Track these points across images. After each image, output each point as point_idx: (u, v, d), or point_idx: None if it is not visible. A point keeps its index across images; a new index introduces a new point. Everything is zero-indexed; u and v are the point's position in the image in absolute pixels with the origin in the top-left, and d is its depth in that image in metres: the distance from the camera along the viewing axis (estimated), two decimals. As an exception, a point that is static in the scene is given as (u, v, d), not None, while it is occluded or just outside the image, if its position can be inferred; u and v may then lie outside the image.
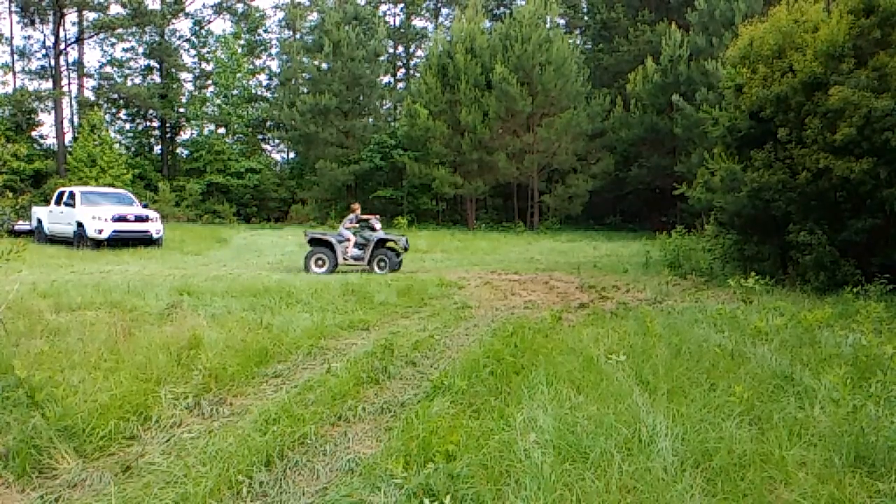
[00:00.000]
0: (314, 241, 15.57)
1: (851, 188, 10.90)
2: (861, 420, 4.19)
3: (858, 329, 7.08)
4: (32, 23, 39.47)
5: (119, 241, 19.02)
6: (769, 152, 11.96)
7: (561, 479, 3.55)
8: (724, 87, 14.14)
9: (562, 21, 42.09)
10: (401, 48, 52.56)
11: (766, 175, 11.70)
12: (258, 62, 48.96)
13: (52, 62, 38.84)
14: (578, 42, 44.60)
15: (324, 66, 38.94)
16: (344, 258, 15.19)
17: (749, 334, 6.98)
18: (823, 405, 4.63)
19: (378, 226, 15.70)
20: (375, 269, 15.08)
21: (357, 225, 15.69)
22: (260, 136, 46.23)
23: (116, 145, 38.57)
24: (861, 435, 3.99)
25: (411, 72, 51.86)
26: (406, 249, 15.98)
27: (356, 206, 16.32)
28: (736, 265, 13.44)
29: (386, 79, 47.68)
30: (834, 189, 11.12)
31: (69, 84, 41.48)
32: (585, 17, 47.00)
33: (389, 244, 15.61)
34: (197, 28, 46.41)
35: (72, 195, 20.63)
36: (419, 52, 52.12)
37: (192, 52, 46.70)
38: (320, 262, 15.08)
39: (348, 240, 15.27)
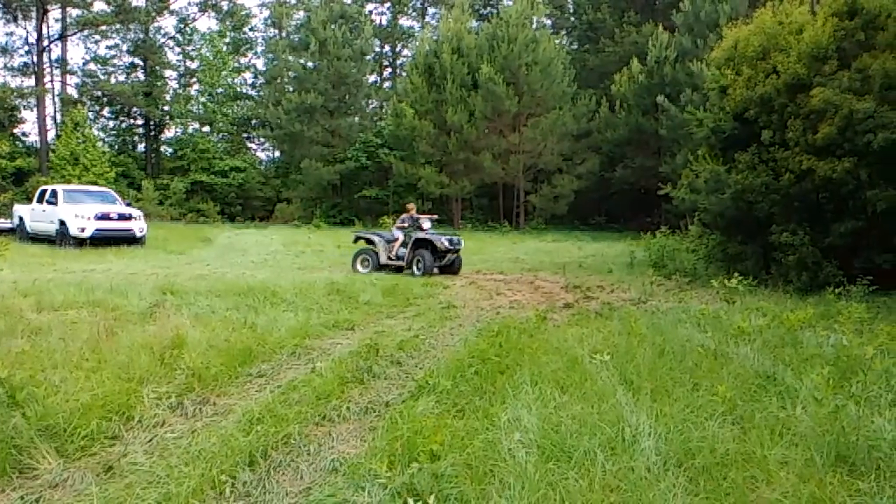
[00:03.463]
0: (361, 241, 15.49)
1: (834, 189, 10.99)
2: (842, 420, 4.23)
3: (840, 329, 7.15)
4: (15, 19, 39.12)
5: (102, 240, 18.82)
6: (753, 154, 12.04)
7: (545, 479, 3.56)
8: (709, 88, 14.23)
9: (548, 21, 42.21)
10: (387, 47, 52.53)
11: (749, 177, 11.78)
12: (243, 60, 48.85)
13: (35, 59, 38.56)
14: (564, 42, 44.70)
15: (310, 64, 38.88)
16: (389, 258, 14.83)
17: (732, 334, 7.03)
18: (805, 405, 4.67)
19: (426, 226, 15.08)
20: (414, 269, 14.53)
21: (407, 225, 15.16)
22: (245, 135, 46.04)
23: (100, 143, 38.31)
24: (842, 434, 4.03)
25: (398, 71, 51.89)
26: (451, 251, 14.84)
27: (411, 205, 16.11)
28: (719, 265, 13.52)
29: (372, 78, 47.63)
30: (817, 190, 11.22)
31: (52, 81, 41.22)
32: (572, 18, 47.15)
33: (439, 246, 14.61)
34: (182, 26, 46.20)
35: (54, 193, 20.44)
36: (406, 52, 52.20)
37: (177, 49, 46.56)
38: (365, 263, 15.04)
39: (397, 239, 14.95)
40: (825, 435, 4.08)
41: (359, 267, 15.04)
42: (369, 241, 15.33)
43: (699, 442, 4.01)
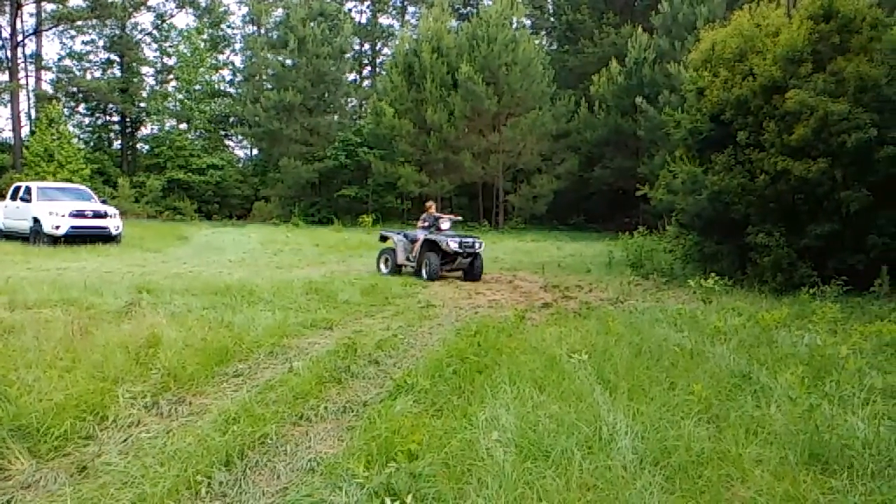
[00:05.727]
0: (385, 240, 15.09)
1: (809, 190, 11.12)
2: (816, 419, 4.28)
3: (814, 329, 7.24)
4: (-12, 13, 38.53)
5: (77, 238, 18.59)
6: (729, 155, 12.15)
7: (522, 478, 3.57)
8: (687, 90, 14.33)
9: (528, 22, 42.30)
10: (367, 46, 52.46)
11: (726, 178, 11.89)
12: (221, 57, 48.36)
13: (9, 54, 37.93)
14: (544, 43, 44.89)
15: (288, 62, 38.72)
16: (407, 258, 14.10)
17: (708, 334, 7.10)
18: (780, 404, 4.72)
19: (445, 226, 14.00)
20: (423, 273, 13.59)
21: (428, 224, 14.23)
22: (223, 133, 45.67)
23: (75, 140, 37.83)
24: (816, 433, 4.07)
25: (377, 70, 51.76)
26: (462, 254, 13.66)
27: (430, 204, 15.51)
28: (696, 265, 13.64)
29: (352, 76, 47.58)
30: (792, 192, 11.34)
31: (26, 77, 40.61)
32: (551, 19, 47.34)
33: (444, 247, 13.46)
34: (159, 22, 45.73)
35: (28, 190, 20.15)
36: (385, 50, 52.14)
37: (154, 45, 46.11)
38: (387, 263, 14.53)
39: (418, 239, 14.04)
40: (799, 433, 4.13)
41: (382, 266, 14.60)
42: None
43: (675, 441, 4.04)
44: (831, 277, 10.26)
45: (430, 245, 13.79)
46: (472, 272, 14.05)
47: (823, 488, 3.54)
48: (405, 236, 14.55)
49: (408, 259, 14.18)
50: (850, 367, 5.39)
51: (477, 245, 13.88)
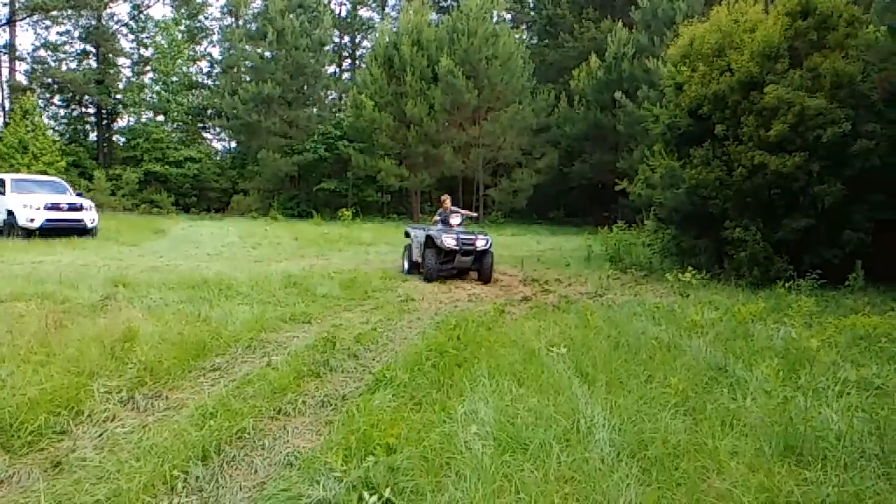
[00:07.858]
0: (409, 237, 14.19)
1: (785, 184, 11.24)
2: (790, 411, 4.33)
3: (790, 323, 7.32)
4: (-40, 2, 37.86)
5: (52, 231, 18.33)
6: (707, 150, 12.24)
7: (500, 471, 3.58)
8: (665, 85, 14.41)
9: (508, 16, 42.32)
10: (346, 38, 52.16)
11: (703, 172, 11.98)
12: (199, 49, 47.86)
13: (-18, 44, 37.38)
14: (524, 37, 44.88)
15: (267, 54, 38.37)
16: (421, 257, 13.02)
17: (685, 327, 7.16)
18: (755, 396, 4.77)
19: (455, 221, 13.09)
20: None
21: (441, 219, 13.42)
22: (200, 125, 45.17)
23: (50, 132, 37.21)
24: (790, 425, 4.12)
25: (357, 62, 51.51)
26: (460, 252, 12.44)
27: (445, 198, 14.37)
28: (674, 260, 13.73)
29: (331, 69, 47.22)
30: (768, 186, 11.46)
31: (0, 68, 39.98)
32: (531, 13, 47.32)
33: (439, 244, 12.35)
34: (135, 12, 45.12)
35: (2, 182, 19.82)
36: (365, 43, 51.86)
37: (131, 36, 45.43)
38: (408, 259, 13.83)
39: None
40: (774, 426, 4.18)
41: (405, 263, 13.92)
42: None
43: (652, 433, 4.07)
44: (807, 271, 10.38)
45: (429, 242, 12.66)
46: (481, 272, 12.94)
47: (798, 479, 3.58)
48: (424, 231, 13.30)
49: (422, 257, 13.26)
50: (824, 360, 5.47)
51: (480, 242, 12.63)
